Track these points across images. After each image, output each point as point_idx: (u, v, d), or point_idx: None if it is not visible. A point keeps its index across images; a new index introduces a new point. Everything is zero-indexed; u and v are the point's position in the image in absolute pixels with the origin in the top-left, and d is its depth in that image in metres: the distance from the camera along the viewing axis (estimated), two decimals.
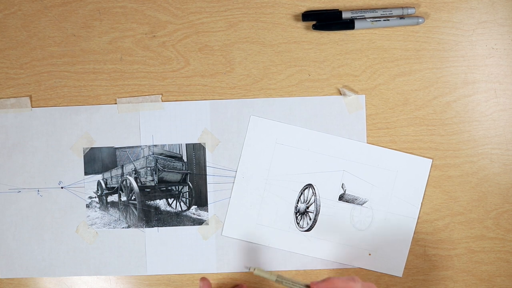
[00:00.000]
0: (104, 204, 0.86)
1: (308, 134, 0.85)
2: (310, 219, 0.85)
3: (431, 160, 0.85)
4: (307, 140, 0.85)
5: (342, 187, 0.85)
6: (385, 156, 0.85)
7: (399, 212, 0.85)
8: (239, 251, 0.85)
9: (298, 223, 0.85)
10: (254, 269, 0.71)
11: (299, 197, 0.85)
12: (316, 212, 0.85)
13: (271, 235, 0.85)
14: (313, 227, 0.85)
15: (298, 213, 0.85)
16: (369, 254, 0.85)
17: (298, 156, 0.85)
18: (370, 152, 0.85)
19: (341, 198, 0.85)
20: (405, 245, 0.85)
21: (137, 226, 0.86)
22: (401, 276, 0.85)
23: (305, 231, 0.85)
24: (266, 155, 0.85)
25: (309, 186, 0.85)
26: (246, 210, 0.85)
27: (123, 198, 0.86)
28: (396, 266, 0.85)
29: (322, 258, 0.85)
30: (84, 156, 0.85)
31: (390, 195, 0.85)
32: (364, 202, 0.85)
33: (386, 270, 0.85)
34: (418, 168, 0.84)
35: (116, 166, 0.86)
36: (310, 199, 0.85)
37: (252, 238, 0.85)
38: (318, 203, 0.85)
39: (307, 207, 0.85)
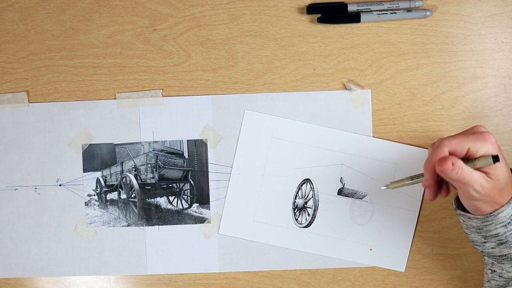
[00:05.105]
0: (104, 202, 0.85)
1: (304, 128, 0.84)
2: (308, 214, 0.84)
3: None
4: (303, 134, 0.84)
5: (340, 181, 0.84)
6: (384, 148, 0.84)
7: (400, 205, 0.84)
8: (242, 250, 0.84)
9: (296, 219, 0.84)
10: (389, 184, 0.73)
11: (297, 193, 0.84)
12: (315, 207, 0.84)
13: (269, 232, 0.84)
14: (312, 223, 0.84)
15: (296, 209, 0.84)
16: (370, 249, 0.84)
17: (294, 151, 0.84)
18: (368, 144, 0.84)
19: (340, 192, 0.84)
20: (407, 239, 0.84)
21: (137, 225, 0.84)
22: (403, 271, 0.84)
23: (304, 227, 0.84)
24: (262, 150, 0.84)
25: (307, 181, 0.84)
26: (242, 207, 0.84)
27: (123, 196, 0.85)
28: (398, 261, 0.84)
29: (322, 254, 0.84)
30: (83, 153, 0.84)
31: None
32: (364, 196, 0.84)
33: (389, 265, 0.84)
34: (418, 159, 0.84)
35: (116, 163, 0.85)
36: (308, 194, 0.84)
37: (249, 235, 0.84)
38: (316, 198, 0.84)
39: (305, 203, 0.84)
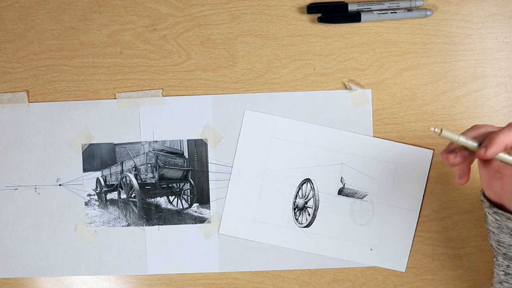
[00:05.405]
0: (103, 202, 0.84)
1: (304, 128, 0.84)
2: (309, 214, 0.84)
3: (432, 150, 0.83)
4: (303, 134, 0.84)
5: (341, 181, 0.84)
6: (385, 147, 0.83)
7: (401, 205, 0.83)
8: (242, 250, 0.84)
9: (296, 219, 0.84)
10: (441, 131, 0.62)
11: (297, 192, 0.84)
12: (315, 207, 0.84)
13: (269, 232, 0.84)
14: (312, 222, 0.84)
15: (296, 209, 0.84)
16: (371, 249, 0.84)
17: (295, 150, 0.84)
18: (369, 144, 0.83)
19: (340, 192, 0.84)
20: (408, 239, 0.84)
21: (137, 225, 0.84)
22: (404, 271, 0.84)
23: (304, 227, 0.84)
24: (262, 150, 0.84)
25: (307, 180, 0.84)
26: (243, 207, 0.84)
27: (123, 196, 0.85)
28: (399, 261, 0.84)
29: (322, 254, 0.84)
30: (83, 153, 0.84)
31: (390, 187, 0.83)
32: (364, 196, 0.84)
33: (389, 265, 0.84)
34: (419, 160, 0.83)
35: (116, 163, 0.84)
36: (309, 194, 0.84)
37: (249, 235, 0.84)
38: (316, 198, 0.84)
39: (306, 203, 0.84)
